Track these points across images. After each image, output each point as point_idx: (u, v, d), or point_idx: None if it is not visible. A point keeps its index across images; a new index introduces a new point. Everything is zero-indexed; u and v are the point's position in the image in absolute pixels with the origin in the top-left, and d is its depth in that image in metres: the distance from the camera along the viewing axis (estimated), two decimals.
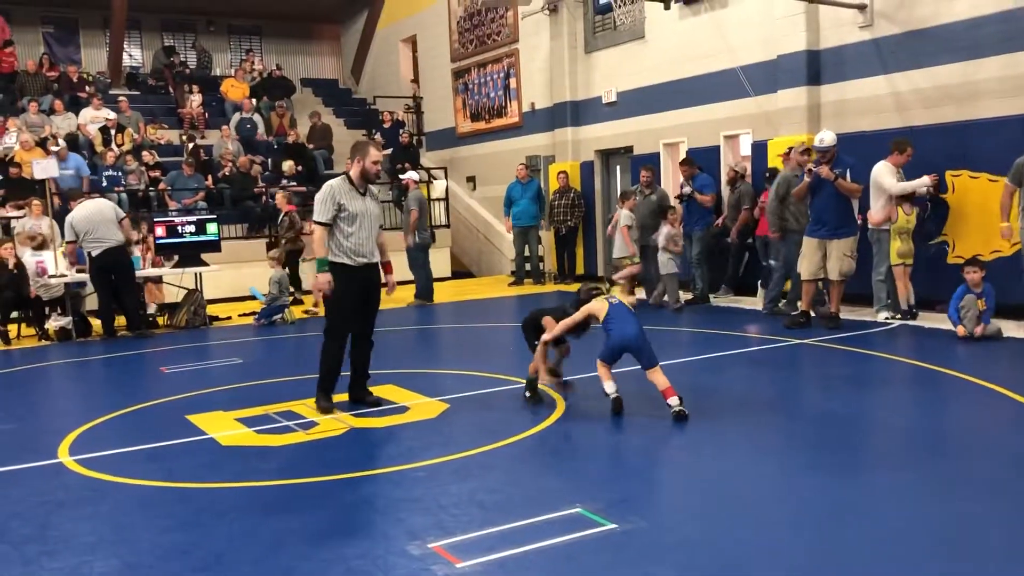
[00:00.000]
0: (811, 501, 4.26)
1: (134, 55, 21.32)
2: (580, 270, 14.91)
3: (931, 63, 9.92)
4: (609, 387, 5.95)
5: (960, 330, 8.13)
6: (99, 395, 7.76)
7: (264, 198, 15.35)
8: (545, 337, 6.19)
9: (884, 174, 9.36)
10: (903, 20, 10.18)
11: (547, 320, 6.28)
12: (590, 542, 3.79)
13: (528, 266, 14.97)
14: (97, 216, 10.36)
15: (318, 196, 6.23)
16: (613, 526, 3.93)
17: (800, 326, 9.08)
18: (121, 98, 17.26)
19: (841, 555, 3.57)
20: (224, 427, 6.05)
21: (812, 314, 9.20)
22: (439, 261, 16.20)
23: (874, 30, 10.47)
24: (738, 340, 8.80)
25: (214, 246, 11.76)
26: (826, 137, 8.99)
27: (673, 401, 5.77)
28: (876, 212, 9.37)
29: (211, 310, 12.05)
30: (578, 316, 6.07)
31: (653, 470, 4.80)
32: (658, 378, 5.86)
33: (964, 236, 9.55)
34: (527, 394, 6.45)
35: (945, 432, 5.46)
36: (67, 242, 10.46)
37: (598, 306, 6.03)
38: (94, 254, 10.28)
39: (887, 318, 9.35)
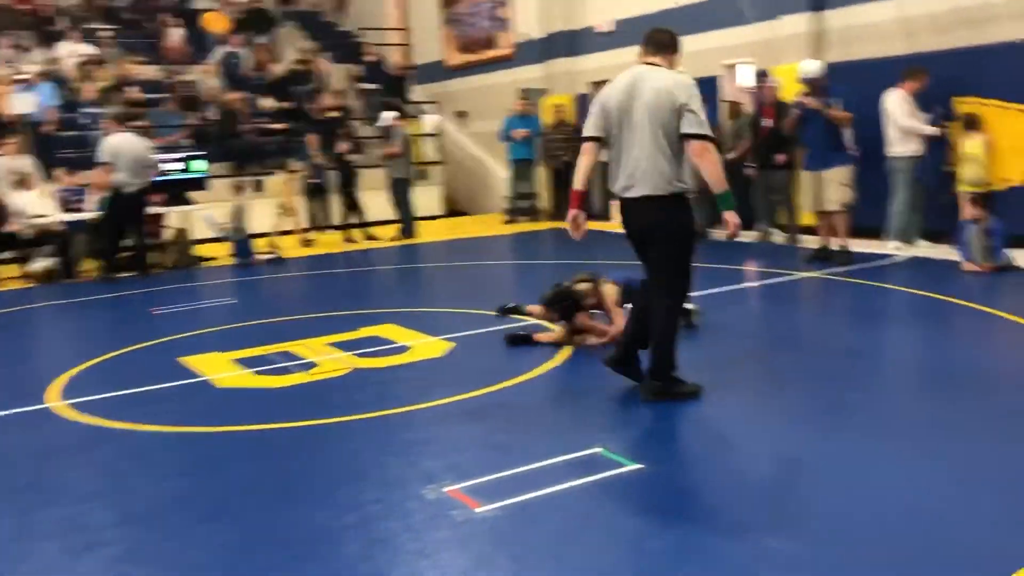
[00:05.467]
0: (834, 439, 4.08)
1: None
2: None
3: None
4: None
5: (967, 264, 7.95)
6: (88, 337, 7.51)
7: (255, 135, 14.91)
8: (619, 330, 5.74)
9: (897, 103, 9.11)
10: None
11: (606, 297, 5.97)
12: (614, 483, 3.61)
13: (523, 204, 14.66)
14: (139, 151, 10.19)
15: (697, 98, 4.40)
16: (638, 466, 3.75)
17: (821, 260, 8.84)
18: (103, 32, 16.63)
19: (863, 495, 3.40)
20: (220, 369, 5.82)
21: (832, 248, 8.90)
22: (430, 199, 15.89)
23: None
24: (745, 275, 8.60)
25: (200, 184, 11.39)
26: (810, 67, 8.73)
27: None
28: (894, 143, 9.15)
29: (199, 251, 11.71)
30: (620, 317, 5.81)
31: (673, 409, 4.59)
32: None
33: None
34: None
35: (951, 364, 5.26)
36: (104, 163, 10.09)
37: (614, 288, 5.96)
38: (129, 191, 10.04)
39: (897, 248, 9.17)
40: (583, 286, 5.92)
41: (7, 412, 5.10)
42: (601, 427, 4.33)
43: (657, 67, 4.52)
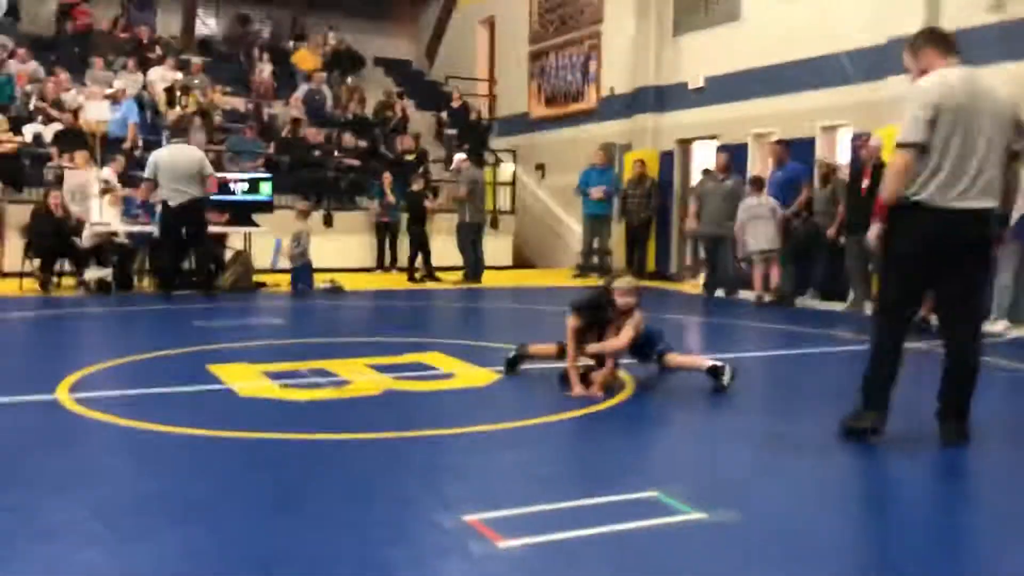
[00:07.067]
0: (918, 493, 3.37)
1: (208, 23, 20.98)
2: (651, 267, 13.96)
3: None
4: (706, 362, 5.30)
5: None
6: (118, 341, 7.14)
7: (330, 169, 14.79)
8: (619, 347, 5.11)
9: None
10: None
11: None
12: (671, 532, 2.94)
13: (596, 259, 14.08)
14: (184, 162, 9.76)
15: None
16: (701, 515, 3.07)
17: (919, 330, 8.00)
18: (194, 60, 16.87)
19: (955, 546, 2.67)
20: (246, 378, 5.32)
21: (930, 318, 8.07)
22: (500, 248, 15.46)
23: (1004, 12, 9.38)
24: (829, 339, 7.84)
25: (266, 207, 11.14)
26: None
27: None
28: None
29: (260, 277, 11.41)
30: (633, 335, 5.11)
31: (745, 457, 3.89)
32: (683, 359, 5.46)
33: None
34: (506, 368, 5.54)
35: None
36: (145, 178, 9.84)
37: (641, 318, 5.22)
38: (172, 204, 9.62)
39: (1006, 328, 8.27)
40: (624, 284, 5.11)
41: (15, 399, 4.67)
42: (662, 469, 3.67)
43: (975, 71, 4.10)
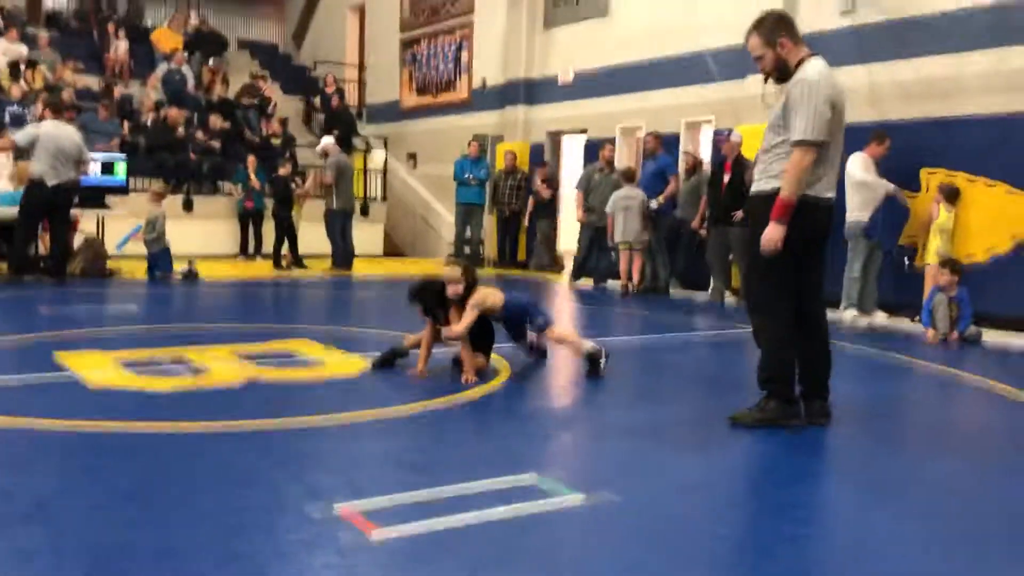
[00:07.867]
0: (791, 471, 3.48)
1: None
2: (522, 256, 14.03)
3: (914, 54, 9.33)
4: (585, 344, 5.31)
5: (930, 333, 7.49)
6: None
7: (191, 152, 14.14)
8: (456, 333, 4.93)
9: (857, 164, 8.73)
10: (888, 8, 9.57)
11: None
12: (550, 516, 2.90)
13: (468, 249, 14.03)
14: (67, 141, 9.21)
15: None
16: (579, 497, 3.04)
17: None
18: (40, 33, 15.82)
19: (825, 522, 2.76)
20: (98, 367, 4.98)
21: None
22: (371, 237, 15.22)
23: (855, 17, 9.85)
24: (695, 326, 8.04)
25: (120, 189, 10.53)
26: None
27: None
28: (855, 208, 8.69)
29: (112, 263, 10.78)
30: (473, 316, 4.95)
31: (621, 440, 3.91)
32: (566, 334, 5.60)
33: None
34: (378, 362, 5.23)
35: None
36: (12, 137, 9.27)
37: (491, 294, 5.10)
38: (49, 183, 9.04)
39: (854, 318, 8.68)
40: (449, 270, 5.02)
41: None
42: (538, 454, 3.63)
43: None
